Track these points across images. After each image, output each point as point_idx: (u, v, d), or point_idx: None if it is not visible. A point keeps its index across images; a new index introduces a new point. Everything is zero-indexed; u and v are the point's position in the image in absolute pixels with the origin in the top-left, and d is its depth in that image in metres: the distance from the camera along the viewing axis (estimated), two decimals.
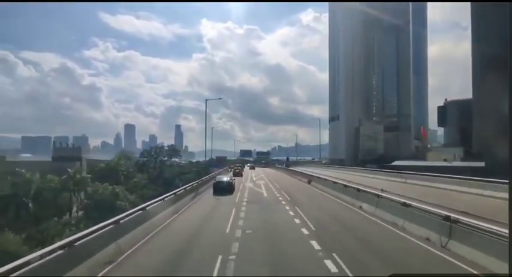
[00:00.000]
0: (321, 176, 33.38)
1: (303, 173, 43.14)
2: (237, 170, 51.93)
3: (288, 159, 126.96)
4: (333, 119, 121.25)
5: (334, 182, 26.21)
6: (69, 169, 43.56)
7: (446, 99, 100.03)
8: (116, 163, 52.64)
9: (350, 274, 7.87)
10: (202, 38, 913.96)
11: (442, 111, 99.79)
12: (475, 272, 7.80)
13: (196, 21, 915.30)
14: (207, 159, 57.25)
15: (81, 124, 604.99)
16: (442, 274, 8.04)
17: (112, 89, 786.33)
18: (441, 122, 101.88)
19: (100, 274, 8.05)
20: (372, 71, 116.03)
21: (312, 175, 37.20)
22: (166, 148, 65.91)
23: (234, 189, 28.14)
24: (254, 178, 43.84)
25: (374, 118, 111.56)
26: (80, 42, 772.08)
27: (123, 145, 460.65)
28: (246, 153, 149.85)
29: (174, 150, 68.47)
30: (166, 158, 62.65)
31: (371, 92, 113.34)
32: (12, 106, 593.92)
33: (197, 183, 27.17)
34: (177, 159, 71.97)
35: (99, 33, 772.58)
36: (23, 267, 6.17)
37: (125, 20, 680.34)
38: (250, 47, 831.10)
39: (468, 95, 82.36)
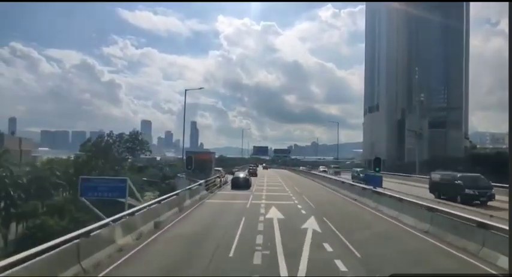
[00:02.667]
0: None
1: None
2: (251, 170, 49.01)
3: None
4: (370, 109, 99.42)
5: None
6: None
7: None
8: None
9: None
10: (218, 34, 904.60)
11: None
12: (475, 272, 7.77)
13: (213, 17, 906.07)
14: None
15: (100, 119, 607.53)
16: (442, 274, 8.02)
17: (131, 86, 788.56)
18: None
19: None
20: (414, 57, 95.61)
21: None
22: (126, 137, 46.36)
23: (250, 185, 30.25)
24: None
25: (417, 111, 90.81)
26: (99, 39, 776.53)
27: None
28: (260, 150, 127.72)
29: (138, 142, 45.64)
30: (127, 155, 42.98)
31: (413, 80, 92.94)
32: (36, 101, 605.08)
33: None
34: (146, 155, 54.56)
35: (118, 31, 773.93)
36: None
37: (143, 15, 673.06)
38: (267, 43, 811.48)
39: None
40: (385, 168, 66.23)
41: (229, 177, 34.37)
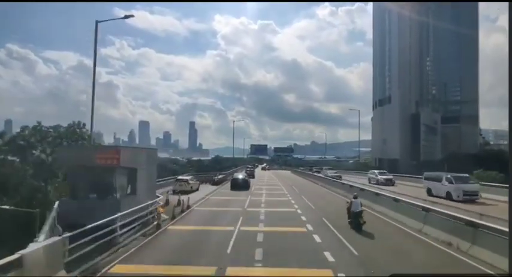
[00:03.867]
0: None
1: None
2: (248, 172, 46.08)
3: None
4: (380, 102, 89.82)
5: None
6: None
7: None
8: None
9: None
10: (216, 34, 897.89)
11: None
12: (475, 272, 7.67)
13: (210, 17, 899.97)
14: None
15: (98, 121, 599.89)
16: (442, 274, 8.00)
17: (129, 87, 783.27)
18: None
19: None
20: (425, 47, 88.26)
21: None
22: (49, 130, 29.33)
23: (249, 185, 31.03)
24: None
25: (430, 104, 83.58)
26: (98, 40, 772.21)
27: (137, 142, 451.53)
28: (259, 149, 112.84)
29: (78, 138, 29.58)
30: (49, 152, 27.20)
31: (424, 71, 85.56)
32: (33, 103, 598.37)
33: None
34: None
35: (114, 31, 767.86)
36: None
37: (140, 15, 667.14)
38: (265, 42, 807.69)
39: None
40: (400, 169, 59.48)
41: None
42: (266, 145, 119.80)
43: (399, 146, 77.73)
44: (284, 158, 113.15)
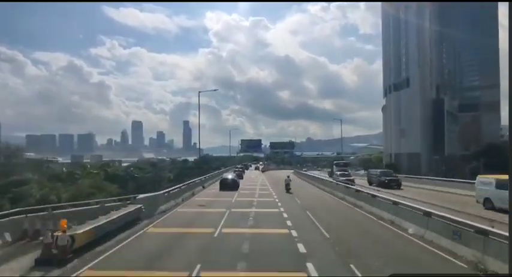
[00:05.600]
0: None
1: None
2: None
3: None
4: (395, 87, 75.45)
5: None
6: None
7: None
8: None
9: None
10: (208, 31, 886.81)
11: None
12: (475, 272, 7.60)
13: (201, 14, 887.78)
14: None
15: (91, 122, 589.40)
16: (442, 274, 8.02)
17: (121, 87, 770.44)
18: None
19: None
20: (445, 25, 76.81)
21: None
22: None
23: (239, 186, 30.16)
24: None
25: (447, 91, 72.65)
26: (86, 40, 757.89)
27: (130, 143, 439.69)
28: (251, 145, 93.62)
29: None
30: None
31: (440, 56, 74.46)
32: (23, 105, 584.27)
33: None
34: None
35: (104, 30, 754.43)
36: None
37: (129, 13, 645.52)
38: (258, 38, 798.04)
39: None
40: (422, 165, 50.02)
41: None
42: (260, 141, 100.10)
43: (420, 139, 65.44)
44: (282, 155, 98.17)
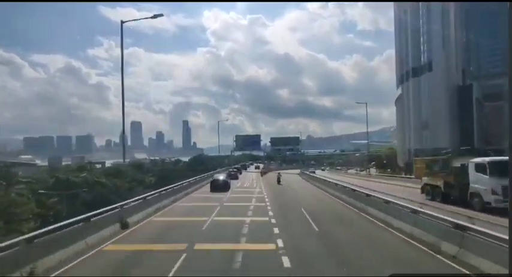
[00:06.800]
0: None
1: None
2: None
3: None
4: (414, 72, 65.06)
5: None
6: None
7: None
8: None
9: None
10: (205, 30, 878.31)
11: None
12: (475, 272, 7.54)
13: (199, 12, 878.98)
14: None
15: (90, 123, 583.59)
16: (442, 274, 8.00)
17: (120, 88, 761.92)
18: None
19: None
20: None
21: None
22: None
23: (229, 187, 29.66)
24: None
25: (468, 80, 64.37)
26: (84, 41, 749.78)
27: (129, 143, 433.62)
28: (248, 142, 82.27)
29: None
30: None
31: (462, 39, 65.56)
32: (22, 108, 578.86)
33: None
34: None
35: (101, 31, 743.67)
36: None
37: (126, 13, 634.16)
38: (256, 36, 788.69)
39: None
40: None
41: None
42: (259, 136, 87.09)
43: (448, 131, 56.75)
44: (284, 153, 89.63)
